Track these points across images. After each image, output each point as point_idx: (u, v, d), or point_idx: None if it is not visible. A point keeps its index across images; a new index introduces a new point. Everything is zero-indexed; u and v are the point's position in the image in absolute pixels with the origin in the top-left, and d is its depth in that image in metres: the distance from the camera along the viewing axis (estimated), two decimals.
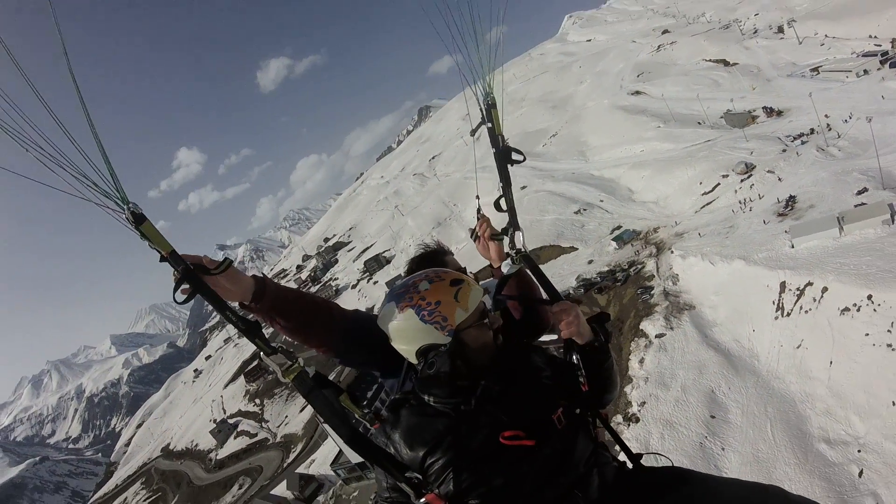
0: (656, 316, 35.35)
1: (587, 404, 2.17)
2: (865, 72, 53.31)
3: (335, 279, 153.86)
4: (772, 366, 27.52)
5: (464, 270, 2.74)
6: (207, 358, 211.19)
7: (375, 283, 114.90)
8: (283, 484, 66.94)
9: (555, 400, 2.03)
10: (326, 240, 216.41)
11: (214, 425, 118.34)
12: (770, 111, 57.48)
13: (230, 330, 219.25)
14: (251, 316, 2.00)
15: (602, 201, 63.99)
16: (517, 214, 2.71)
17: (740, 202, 41.42)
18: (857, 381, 23.30)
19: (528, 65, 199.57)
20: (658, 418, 28.02)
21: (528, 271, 2.61)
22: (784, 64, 69.90)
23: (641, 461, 2.23)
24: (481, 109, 2.63)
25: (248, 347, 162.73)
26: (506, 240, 2.68)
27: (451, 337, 1.95)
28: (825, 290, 26.84)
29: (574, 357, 2.15)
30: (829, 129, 44.41)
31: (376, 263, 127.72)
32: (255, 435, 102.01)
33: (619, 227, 54.42)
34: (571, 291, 47.23)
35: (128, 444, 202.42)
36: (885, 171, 33.80)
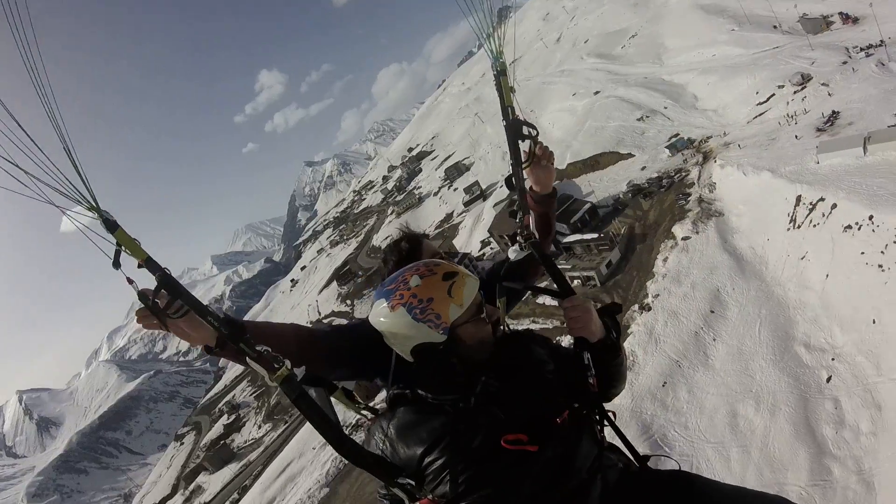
0: (686, 220, 37.98)
1: (593, 402, 2.03)
2: None
3: (418, 188, 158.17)
4: (776, 273, 29.92)
5: (438, 254, 2.68)
6: (303, 268, 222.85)
7: (455, 189, 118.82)
8: None
9: (558, 398, 1.94)
10: (410, 150, 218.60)
11: (312, 325, 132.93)
12: (846, 17, 53.91)
13: (322, 241, 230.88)
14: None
15: (666, 108, 63.64)
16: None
17: (787, 115, 41.43)
18: (846, 296, 25.13)
19: None
20: (666, 309, 31.77)
21: (538, 258, 2.45)
22: None
23: (648, 463, 2.10)
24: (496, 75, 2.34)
25: (339, 256, 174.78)
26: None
27: (446, 335, 1.88)
28: (834, 206, 28.38)
29: (585, 357, 2.00)
30: None
31: (456, 171, 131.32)
32: None
33: (676, 136, 55.00)
34: (621, 196, 50.41)
35: None
36: None
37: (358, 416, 2.14)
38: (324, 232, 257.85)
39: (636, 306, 33.74)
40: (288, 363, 1.83)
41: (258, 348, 1.83)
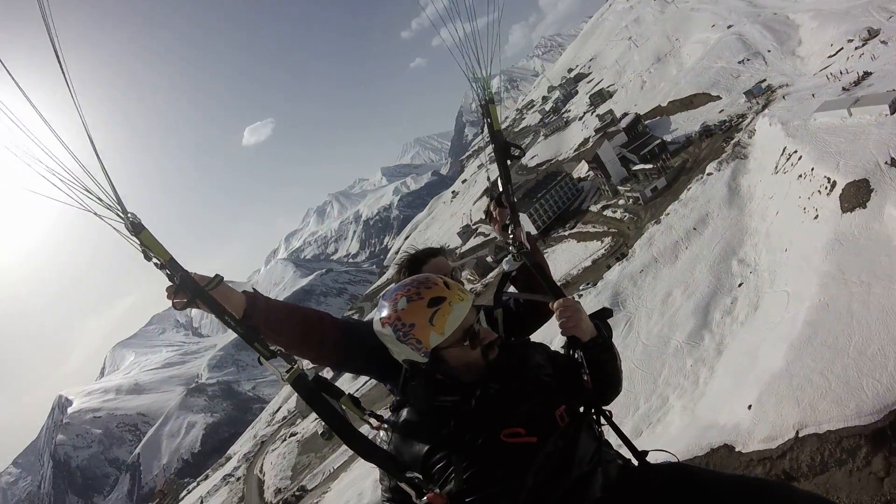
0: (716, 160, 45.56)
1: (590, 402, 2.10)
2: None
3: (568, 111, 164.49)
4: (753, 207, 37.24)
5: (452, 271, 2.76)
6: (464, 181, 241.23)
7: (597, 115, 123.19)
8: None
9: (556, 397, 1.97)
10: (570, 70, 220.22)
11: (461, 229, 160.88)
12: None
13: (482, 157, 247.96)
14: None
15: (769, 51, 66.25)
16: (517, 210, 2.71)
17: (830, 74, 45.12)
18: (780, 229, 31.23)
19: None
20: (669, 225, 41.21)
21: (530, 267, 2.52)
22: None
23: (647, 458, 2.16)
24: (482, 103, 2.54)
25: (495, 171, 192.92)
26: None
27: (427, 358, 1.92)
28: (800, 157, 34.56)
29: (577, 354, 2.07)
30: None
31: (600, 97, 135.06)
32: (488, 235, 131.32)
33: (763, 81, 58.71)
34: (693, 134, 58.13)
35: (397, 252, 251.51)
36: None
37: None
38: (486, 148, 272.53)
39: (653, 221, 44.50)
40: (300, 363, 1.91)
41: (272, 348, 1.92)
